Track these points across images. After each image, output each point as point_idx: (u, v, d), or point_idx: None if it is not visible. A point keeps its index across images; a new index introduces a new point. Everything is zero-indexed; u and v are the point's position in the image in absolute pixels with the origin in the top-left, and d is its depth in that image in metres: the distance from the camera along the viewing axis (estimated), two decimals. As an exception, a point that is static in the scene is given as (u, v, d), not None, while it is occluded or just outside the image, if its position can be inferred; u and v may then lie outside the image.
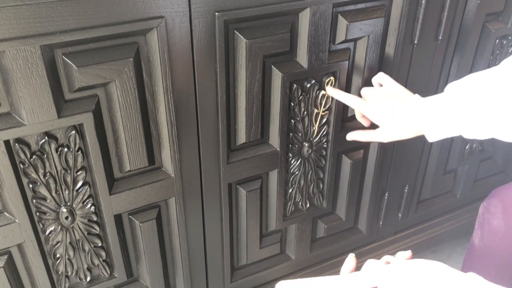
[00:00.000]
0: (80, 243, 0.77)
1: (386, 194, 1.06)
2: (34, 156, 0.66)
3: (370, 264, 0.60)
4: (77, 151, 0.69)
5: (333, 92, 0.84)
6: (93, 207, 0.74)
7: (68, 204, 0.72)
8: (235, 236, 0.93)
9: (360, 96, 0.85)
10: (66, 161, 0.69)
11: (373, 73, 0.87)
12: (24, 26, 0.57)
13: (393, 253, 1.20)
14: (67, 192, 0.71)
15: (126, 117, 0.69)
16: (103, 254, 0.80)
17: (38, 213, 0.71)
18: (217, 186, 0.84)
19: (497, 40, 0.99)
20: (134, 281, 0.88)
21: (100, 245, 0.79)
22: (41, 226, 0.72)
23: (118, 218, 0.78)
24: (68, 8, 0.59)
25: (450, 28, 0.91)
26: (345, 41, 0.81)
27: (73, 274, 0.79)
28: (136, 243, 0.83)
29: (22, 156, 0.65)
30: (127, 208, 0.77)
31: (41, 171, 0.68)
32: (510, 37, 1.00)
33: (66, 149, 0.68)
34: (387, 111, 0.78)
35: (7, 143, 0.63)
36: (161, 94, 0.70)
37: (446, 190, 1.18)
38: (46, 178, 0.69)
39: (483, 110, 0.66)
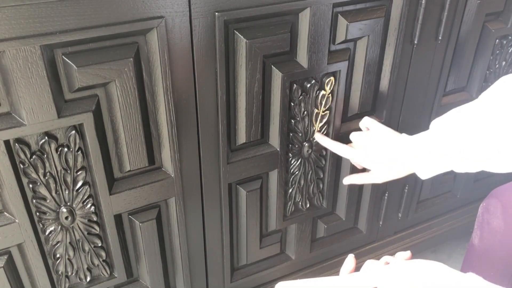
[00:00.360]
0: (80, 243, 0.77)
1: (386, 194, 1.06)
2: (34, 156, 0.66)
3: (370, 264, 0.60)
4: (77, 151, 0.69)
5: (321, 139, 0.87)
6: (93, 207, 0.74)
7: (68, 204, 0.72)
8: (235, 236, 0.93)
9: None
10: (66, 161, 0.69)
11: (373, 73, 0.87)
12: (24, 26, 0.57)
13: (393, 253, 1.20)
14: (67, 192, 0.71)
15: (126, 117, 0.69)
16: (103, 254, 0.80)
17: (38, 213, 0.71)
18: (217, 186, 0.84)
19: (497, 40, 0.99)
20: (134, 281, 0.88)
21: (100, 245, 0.79)
22: (41, 226, 0.72)
23: (118, 218, 0.78)
24: (68, 8, 0.59)
25: (450, 28, 0.91)
26: (345, 41, 0.81)
27: (73, 274, 0.79)
28: (136, 243, 0.83)
29: (22, 156, 0.65)
30: (127, 208, 0.77)
31: (41, 171, 0.68)
32: (510, 37, 1.00)
33: (66, 149, 0.68)
34: (376, 155, 0.80)
35: (7, 143, 0.63)
36: (161, 94, 0.70)
37: (446, 190, 1.18)
38: (46, 178, 0.69)
39: (470, 146, 0.67)
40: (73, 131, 0.67)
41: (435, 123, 0.73)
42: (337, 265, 1.10)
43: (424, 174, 0.75)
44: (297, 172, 0.91)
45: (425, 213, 1.17)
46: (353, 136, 0.85)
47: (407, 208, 1.12)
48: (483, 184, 1.21)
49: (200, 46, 0.69)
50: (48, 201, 0.70)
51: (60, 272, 0.78)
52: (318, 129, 0.88)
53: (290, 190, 0.92)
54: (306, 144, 0.88)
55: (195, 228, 0.86)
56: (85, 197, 0.73)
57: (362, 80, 0.87)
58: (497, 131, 0.64)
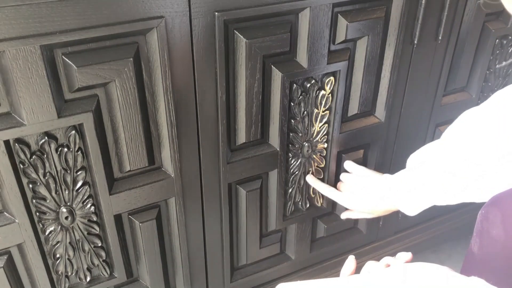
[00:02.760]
0: (80, 243, 0.77)
1: (386, 194, 1.06)
2: (34, 156, 0.66)
3: (370, 266, 0.60)
4: (77, 151, 0.69)
5: (312, 181, 0.92)
6: (93, 207, 0.74)
7: (68, 204, 0.72)
8: (235, 236, 0.93)
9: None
10: (66, 161, 0.69)
11: (373, 73, 0.87)
12: (24, 26, 0.57)
13: (393, 254, 1.21)
14: (67, 192, 0.71)
15: (126, 117, 0.69)
16: (103, 254, 0.80)
17: (38, 213, 0.71)
18: (217, 186, 0.84)
19: (497, 40, 0.99)
20: (134, 281, 0.88)
21: (100, 245, 0.79)
22: (41, 226, 0.72)
23: (118, 218, 0.78)
24: (68, 8, 0.59)
25: (450, 28, 0.91)
26: (345, 41, 0.81)
27: (73, 274, 0.79)
28: (136, 243, 0.82)
29: (22, 156, 0.65)
30: (127, 208, 0.77)
31: (41, 171, 0.68)
32: (510, 37, 1.00)
33: (66, 149, 0.68)
34: (362, 199, 0.86)
35: (7, 143, 0.63)
36: (161, 94, 0.70)
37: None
38: (46, 178, 0.69)
39: (447, 179, 0.72)
40: (73, 131, 0.67)
41: (411, 160, 0.78)
42: (337, 265, 1.10)
43: (410, 211, 0.79)
44: (297, 172, 0.91)
45: (425, 213, 1.17)
46: (342, 179, 0.93)
47: (407, 208, 1.12)
48: (483, 184, 1.21)
49: (200, 46, 0.69)
50: (48, 201, 0.70)
51: (60, 272, 0.78)
52: (318, 129, 0.88)
53: (290, 190, 0.92)
54: (306, 144, 0.88)
55: (195, 228, 0.86)
56: (85, 197, 0.73)
57: (362, 80, 0.87)
58: (467, 166, 0.69)
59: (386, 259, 0.63)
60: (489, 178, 0.68)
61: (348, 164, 0.92)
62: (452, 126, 0.74)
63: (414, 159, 0.78)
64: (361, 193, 0.87)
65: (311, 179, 0.92)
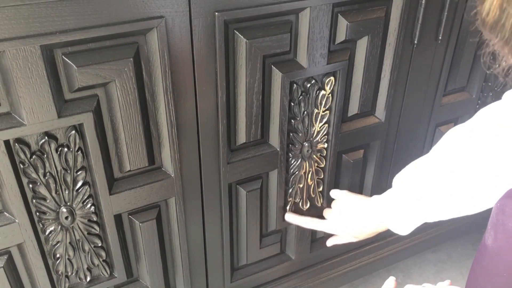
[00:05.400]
0: (80, 243, 0.77)
1: (386, 194, 1.06)
2: (34, 156, 0.66)
3: None
4: (77, 151, 0.69)
5: (292, 219, 0.93)
6: (93, 207, 0.74)
7: (68, 204, 0.72)
8: (235, 236, 0.93)
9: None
10: (66, 161, 0.69)
11: (373, 73, 0.87)
12: (24, 26, 0.57)
13: (393, 253, 1.21)
14: (67, 192, 0.71)
15: (126, 117, 0.69)
16: (103, 254, 0.80)
17: (38, 213, 0.71)
18: (217, 186, 0.84)
19: (497, 40, 0.99)
20: (134, 281, 0.88)
21: (100, 245, 0.79)
22: (41, 226, 0.72)
23: (118, 218, 0.78)
24: (68, 8, 0.59)
25: (450, 28, 0.91)
26: (345, 41, 0.81)
27: (73, 274, 0.79)
28: (136, 243, 0.83)
29: (22, 156, 0.65)
30: (127, 208, 0.77)
31: (41, 171, 0.68)
32: (510, 37, 1.00)
33: (66, 149, 0.68)
34: (350, 222, 0.86)
35: (7, 143, 0.63)
36: (161, 94, 0.70)
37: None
38: (46, 178, 0.69)
39: (434, 196, 0.72)
40: (73, 131, 0.67)
41: (397, 179, 0.79)
42: (337, 265, 1.10)
43: (402, 231, 0.79)
44: (297, 172, 0.91)
45: (425, 213, 1.17)
46: (329, 208, 0.93)
47: (407, 208, 1.12)
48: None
49: (200, 46, 0.69)
50: (48, 201, 0.70)
51: (60, 272, 0.78)
52: (318, 129, 0.88)
53: (290, 190, 0.92)
54: (306, 144, 0.88)
55: (195, 228, 0.86)
56: (85, 197, 0.73)
57: (362, 80, 0.87)
58: (457, 182, 0.69)
59: (426, 286, 0.63)
60: (479, 192, 0.68)
61: (333, 192, 0.93)
62: (439, 144, 0.74)
63: (401, 178, 0.78)
64: (347, 216, 0.86)
65: (290, 217, 0.93)
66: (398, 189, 0.78)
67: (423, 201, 0.74)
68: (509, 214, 0.79)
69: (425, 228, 1.20)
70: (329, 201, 0.99)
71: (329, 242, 0.96)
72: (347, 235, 0.88)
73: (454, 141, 0.72)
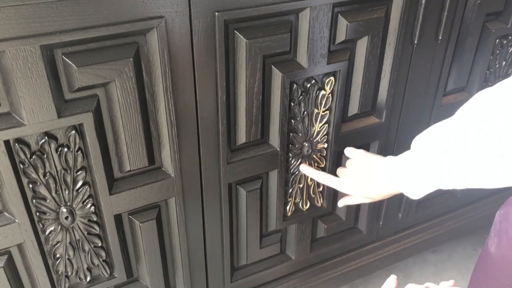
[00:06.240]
0: (80, 243, 0.77)
1: (386, 194, 1.06)
2: (34, 156, 0.66)
3: None
4: (77, 151, 0.69)
5: (306, 170, 0.89)
6: (93, 207, 0.74)
7: (68, 204, 0.72)
8: (235, 236, 0.93)
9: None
10: (66, 161, 0.69)
11: (373, 73, 0.87)
12: (24, 26, 0.57)
13: (393, 253, 1.21)
14: (67, 192, 0.71)
15: (126, 117, 0.69)
16: (103, 254, 0.80)
17: (38, 213, 0.71)
18: (217, 186, 0.84)
19: (497, 40, 0.99)
20: (134, 281, 0.88)
21: (100, 245, 0.79)
22: (41, 226, 0.72)
23: (118, 218, 0.78)
24: (68, 8, 0.59)
25: (450, 28, 0.91)
26: (345, 41, 0.81)
27: (73, 274, 0.79)
28: (136, 243, 0.83)
29: (22, 156, 0.65)
30: (127, 208, 0.77)
31: (41, 171, 0.68)
32: (510, 37, 1.00)
33: (66, 149, 0.68)
34: (363, 182, 0.82)
35: (7, 143, 0.63)
36: (161, 94, 0.70)
37: (446, 190, 1.18)
38: (46, 178, 0.69)
39: (453, 162, 0.67)
40: (73, 131, 0.67)
41: (416, 141, 0.74)
42: (337, 265, 1.10)
43: (413, 194, 0.75)
44: (297, 172, 0.91)
45: (425, 213, 1.17)
46: (340, 168, 0.88)
47: (407, 208, 1.12)
48: (483, 184, 1.21)
49: (200, 46, 0.69)
50: (48, 201, 0.70)
51: (60, 272, 0.78)
52: (318, 129, 0.88)
53: (290, 190, 0.92)
54: (306, 144, 0.88)
55: (195, 228, 0.86)
56: (85, 197, 0.73)
57: (362, 80, 0.87)
58: (478, 147, 0.64)
59: (428, 285, 0.62)
60: (503, 162, 0.62)
61: (348, 150, 0.88)
62: (465, 106, 0.68)
63: (421, 139, 0.73)
64: (362, 175, 0.82)
65: (305, 168, 0.90)
66: (417, 151, 0.73)
67: (442, 166, 0.68)
68: None
69: (425, 228, 1.20)
70: (329, 201, 0.99)
71: (341, 202, 0.92)
72: (360, 195, 0.84)
73: (484, 104, 0.65)
